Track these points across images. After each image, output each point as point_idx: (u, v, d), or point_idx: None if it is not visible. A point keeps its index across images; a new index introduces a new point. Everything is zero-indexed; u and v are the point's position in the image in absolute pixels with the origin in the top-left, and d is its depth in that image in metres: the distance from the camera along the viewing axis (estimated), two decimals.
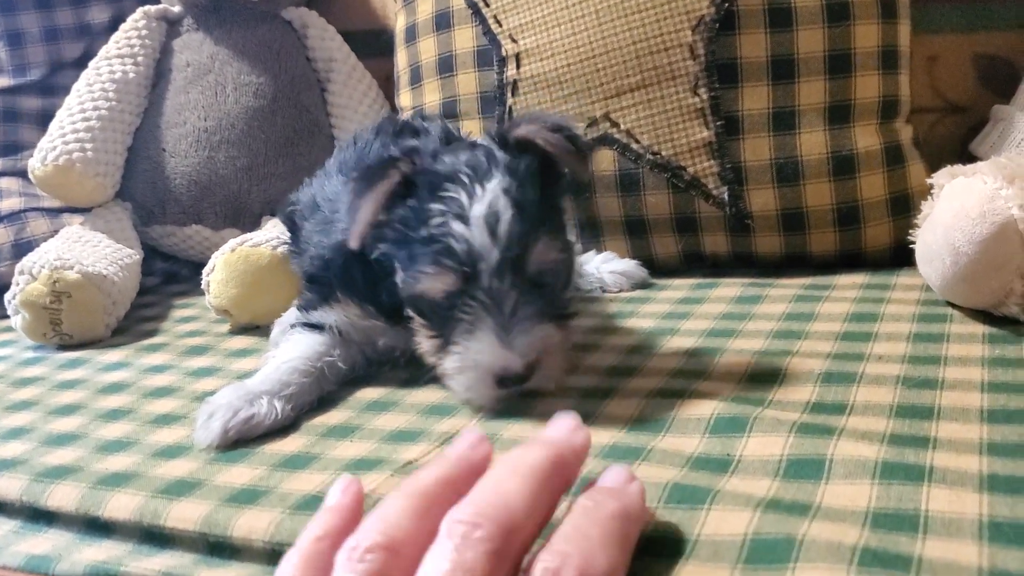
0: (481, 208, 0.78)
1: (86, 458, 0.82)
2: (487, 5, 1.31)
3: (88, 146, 1.44)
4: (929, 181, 1.02)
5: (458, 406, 0.85)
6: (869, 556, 0.53)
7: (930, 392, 0.76)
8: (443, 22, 1.36)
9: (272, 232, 1.23)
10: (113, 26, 1.65)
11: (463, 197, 0.79)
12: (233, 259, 1.17)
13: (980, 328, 0.91)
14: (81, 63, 1.63)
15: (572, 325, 0.88)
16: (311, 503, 0.68)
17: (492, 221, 0.78)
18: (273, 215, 1.48)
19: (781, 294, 1.10)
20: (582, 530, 0.52)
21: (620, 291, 1.21)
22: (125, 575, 0.66)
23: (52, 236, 1.42)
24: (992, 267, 0.89)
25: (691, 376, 0.86)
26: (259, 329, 1.19)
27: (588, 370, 0.92)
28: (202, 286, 1.21)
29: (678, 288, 1.19)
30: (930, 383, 0.78)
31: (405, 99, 1.45)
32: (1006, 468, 0.62)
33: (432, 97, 1.38)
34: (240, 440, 0.82)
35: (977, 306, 0.95)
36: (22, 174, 1.57)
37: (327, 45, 1.64)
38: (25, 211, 1.50)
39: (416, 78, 1.42)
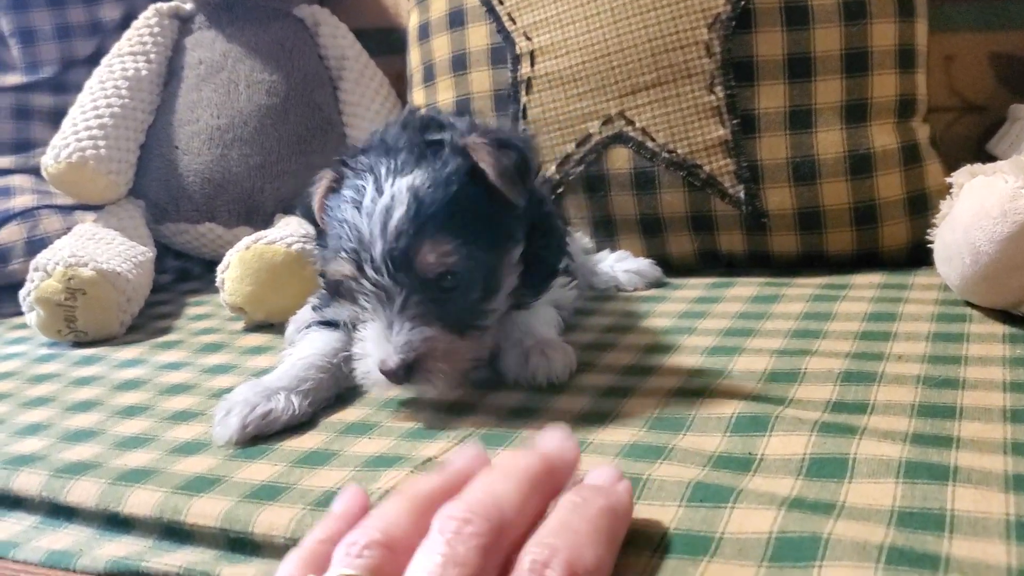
0: (381, 201, 0.80)
1: (105, 454, 0.82)
2: (501, 3, 1.31)
3: (101, 143, 1.45)
4: (948, 180, 1.01)
5: (478, 404, 0.85)
6: (896, 554, 0.52)
7: (951, 392, 0.76)
8: (457, 20, 1.36)
9: (287, 230, 1.22)
10: (125, 23, 1.66)
11: (369, 188, 0.81)
12: (248, 257, 1.17)
13: (1000, 328, 0.91)
14: (93, 60, 1.63)
15: (482, 338, 0.86)
16: (332, 500, 0.67)
17: (385, 214, 0.79)
18: (286, 213, 1.48)
19: (798, 293, 1.09)
20: (570, 524, 0.52)
21: (635, 290, 1.21)
22: (146, 570, 0.66)
23: (65, 233, 1.42)
24: (1013, 266, 0.88)
25: (710, 375, 0.86)
26: (273, 327, 1.19)
27: (605, 368, 0.91)
28: (217, 283, 1.21)
29: (693, 287, 1.19)
30: (951, 383, 0.78)
31: (418, 97, 1.45)
32: None
33: (445, 95, 1.38)
34: (258, 436, 0.82)
35: (997, 305, 0.94)
36: (35, 171, 1.57)
37: (339, 43, 1.64)
38: (38, 208, 1.50)
39: (429, 76, 1.41)
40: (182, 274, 1.59)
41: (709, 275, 1.24)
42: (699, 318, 1.04)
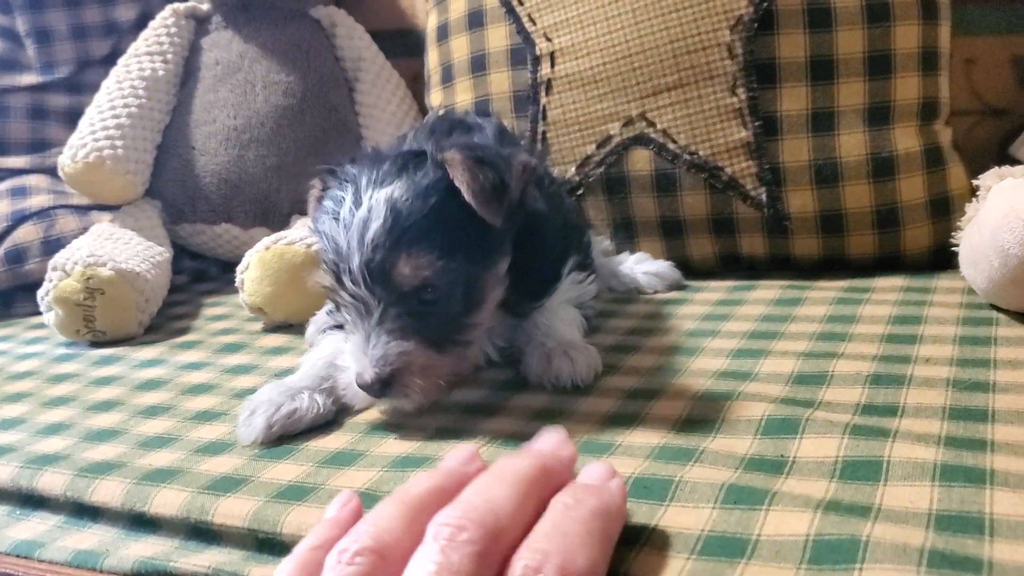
0: (359, 213, 0.79)
1: (129, 454, 0.82)
2: (521, 4, 1.30)
3: (118, 143, 1.44)
4: (975, 183, 1.01)
5: (503, 406, 0.85)
6: (938, 557, 0.52)
7: (982, 395, 0.75)
8: (476, 20, 1.36)
9: (306, 231, 1.22)
10: (140, 24, 1.66)
11: (348, 200, 0.80)
12: (268, 257, 1.17)
13: None
14: (108, 61, 1.63)
15: (464, 353, 0.85)
16: (362, 500, 0.67)
17: (363, 228, 0.78)
18: (302, 214, 1.47)
19: (821, 296, 1.09)
20: (562, 528, 0.52)
21: (655, 292, 1.21)
22: (175, 571, 0.66)
23: (81, 233, 1.42)
24: None
25: (737, 377, 0.85)
26: (293, 327, 1.19)
27: (630, 370, 0.91)
28: (236, 284, 1.21)
29: (715, 290, 1.18)
30: (981, 386, 0.77)
31: (436, 98, 1.45)
32: None
33: (464, 96, 1.38)
34: (283, 436, 0.82)
35: None
36: (51, 171, 1.57)
37: (356, 44, 1.64)
38: (54, 208, 1.50)
39: (448, 77, 1.41)
40: (198, 275, 1.59)
41: (730, 278, 1.23)
42: (722, 320, 1.04)
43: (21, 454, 0.84)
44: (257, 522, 0.67)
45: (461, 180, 0.80)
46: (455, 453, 0.62)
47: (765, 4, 1.16)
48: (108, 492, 0.75)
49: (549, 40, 1.28)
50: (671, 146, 1.21)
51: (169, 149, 1.54)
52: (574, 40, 1.25)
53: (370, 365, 0.79)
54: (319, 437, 0.82)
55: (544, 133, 1.28)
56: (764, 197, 1.18)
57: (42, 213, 1.49)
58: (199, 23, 1.63)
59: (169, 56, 1.56)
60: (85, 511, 0.76)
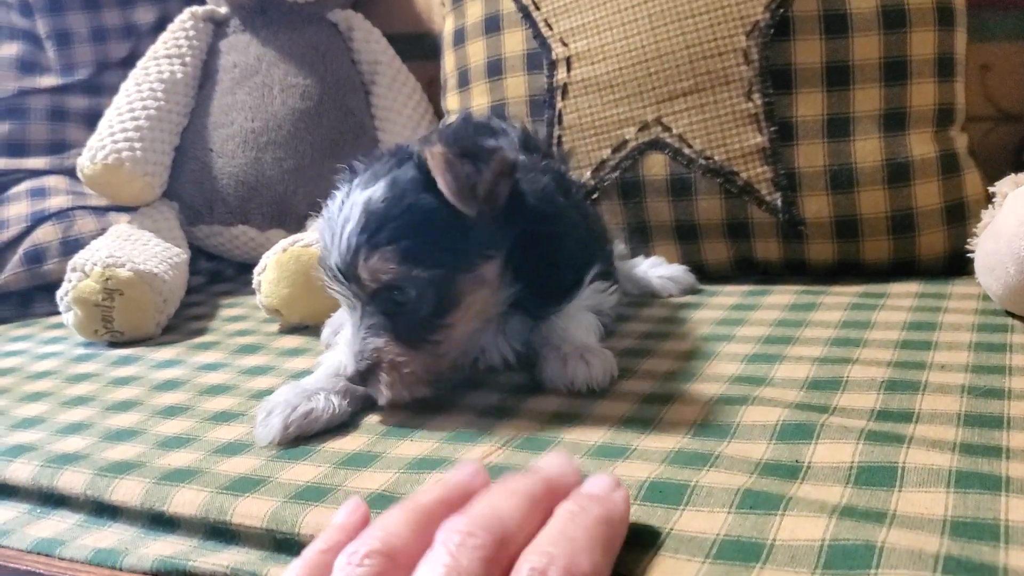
0: (341, 215, 0.83)
1: (148, 454, 0.83)
2: (538, 8, 1.31)
3: (137, 145, 1.46)
4: (992, 189, 1.01)
5: (519, 409, 0.85)
6: (953, 564, 0.52)
7: (998, 402, 0.75)
8: (492, 25, 1.36)
9: None
10: (159, 26, 1.67)
11: (337, 201, 0.85)
12: (285, 259, 1.18)
13: None
14: (127, 63, 1.65)
15: (439, 352, 0.86)
16: (378, 502, 0.68)
17: (341, 227, 0.82)
18: (319, 217, 1.48)
19: (835, 302, 1.09)
20: (567, 533, 0.53)
21: (669, 296, 1.21)
22: (194, 570, 0.67)
23: (99, 234, 1.43)
24: None
25: (751, 382, 0.85)
26: (308, 329, 1.20)
27: (645, 375, 0.91)
28: (253, 286, 1.22)
29: (729, 294, 1.18)
30: (996, 393, 0.77)
31: (452, 102, 1.45)
32: None
33: (480, 100, 1.38)
34: (300, 437, 0.82)
35: None
36: (70, 172, 1.58)
37: (372, 48, 1.65)
38: (72, 209, 1.51)
39: (464, 81, 1.42)
40: (215, 276, 1.60)
41: (744, 283, 1.24)
42: (737, 325, 1.04)
43: (41, 453, 0.85)
44: (275, 522, 0.68)
45: (437, 173, 0.82)
46: (460, 468, 0.63)
47: (781, 10, 1.16)
48: (127, 491, 0.76)
49: (565, 45, 1.28)
50: (686, 151, 1.21)
51: (187, 151, 1.55)
52: (590, 45, 1.26)
53: (351, 360, 0.84)
54: (336, 438, 0.82)
55: (560, 137, 1.29)
56: (779, 202, 1.19)
57: (61, 214, 1.50)
58: (217, 26, 1.64)
59: (187, 59, 1.58)
60: (105, 510, 0.77)
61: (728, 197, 1.21)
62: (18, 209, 1.49)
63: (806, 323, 1.02)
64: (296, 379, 0.90)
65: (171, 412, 0.94)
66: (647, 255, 1.28)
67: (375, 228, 0.81)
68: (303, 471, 0.75)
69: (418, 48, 1.71)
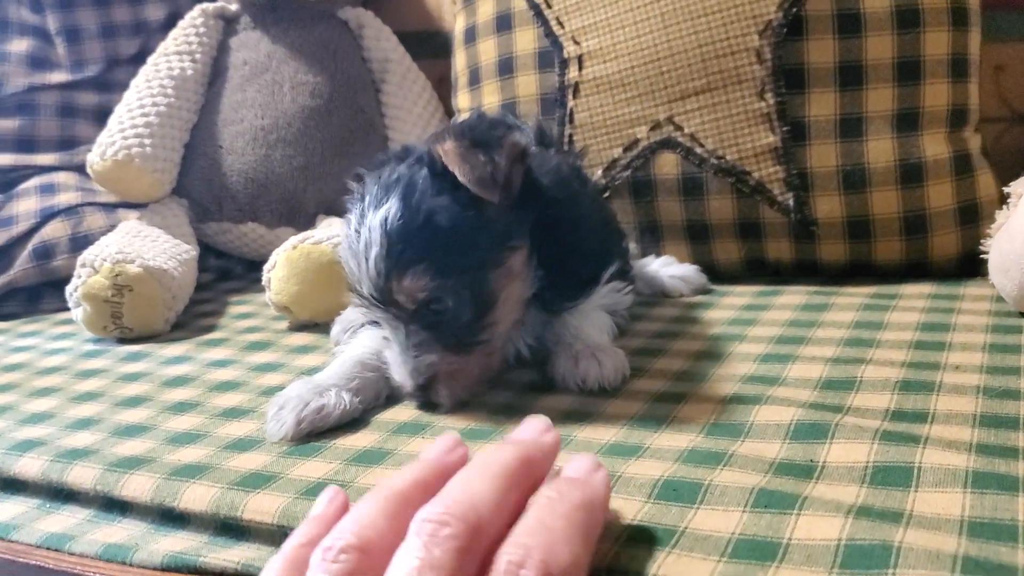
0: (361, 241, 0.83)
1: (158, 449, 0.82)
2: (549, 7, 1.31)
3: (147, 142, 1.45)
4: (1006, 190, 1.00)
5: (530, 407, 0.85)
6: (971, 564, 0.52)
7: (1013, 403, 0.75)
8: (504, 23, 1.36)
9: (332, 230, 1.23)
10: (169, 23, 1.67)
11: (353, 225, 0.84)
12: (294, 256, 1.18)
13: None
14: (137, 60, 1.65)
15: (489, 352, 0.88)
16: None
17: (364, 253, 0.82)
18: (328, 214, 1.48)
19: (848, 302, 1.08)
20: (546, 522, 0.53)
21: (680, 296, 1.21)
22: (204, 566, 0.66)
23: (109, 230, 1.42)
24: None
25: (764, 382, 0.85)
26: (318, 326, 1.19)
27: (657, 374, 0.91)
28: (263, 283, 1.21)
29: (741, 294, 1.18)
30: (1012, 394, 0.77)
31: (463, 100, 1.45)
32: None
33: (491, 99, 1.38)
34: (312, 432, 0.82)
35: None
36: (79, 169, 1.58)
37: (383, 46, 1.64)
38: (82, 205, 1.51)
39: (475, 79, 1.41)
40: (223, 273, 1.60)
41: (756, 283, 1.23)
42: (749, 325, 1.03)
43: (51, 448, 0.85)
44: (286, 519, 0.68)
45: (456, 169, 0.82)
46: (437, 443, 0.63)
47: (794, 9, 1.15)
48: (137, 487, 0.76)
49: (577, 43, 1.28)
50: (698, 150, 1.21)
51: (196, 148, 1.54)
52: (602, 44, 1.26)
53: (408, 377, 0.85)
54: (347, 435, 0.82)
55: (571, 136, 1.28)
56: (791, 202, 1.18)
57: (70, 210, 1.50)
58: (227, 23, 1.64)
59: (198, 56, 1.57)
60: (115, 505, 0.77)
61: (740, 197, 1.20)
62: (27, 205, 1.49)
63: (818, 323, 1.01)
64: (305, 376, 0.90)
65: (181, 408, 0.93)
66: (658, 254, 1.28)
67: (400, 249, 0.81)
68: (314, 467, 0.75)
69: (429, 46, 1.70)
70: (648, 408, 0.82)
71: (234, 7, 1.64)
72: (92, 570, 0.69)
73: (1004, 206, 1.00)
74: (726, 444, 0.72)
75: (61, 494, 0.80)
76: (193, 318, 1.32)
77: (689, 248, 1.27)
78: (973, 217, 1.16)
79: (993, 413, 0.73)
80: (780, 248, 1.22)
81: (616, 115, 1.25)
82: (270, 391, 0.94)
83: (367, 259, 0.82)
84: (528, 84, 1.33)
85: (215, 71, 1.60)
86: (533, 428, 0.63)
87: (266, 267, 1.21)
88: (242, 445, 0.82)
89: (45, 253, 1.45)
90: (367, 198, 0.84)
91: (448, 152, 0.82)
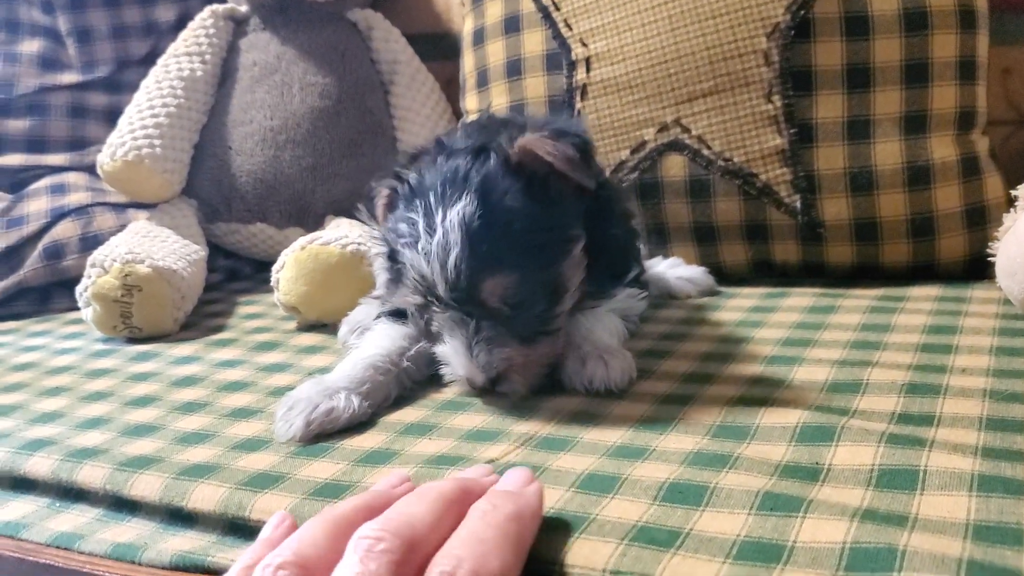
0: (435, 239, 0.81)
1: (166, 449, 0.83)
2: (558, 9, 1.31)
3: (157, 143, 1.46)
4: (1013, 193, 1.00)
5: (537, 407, 0.85)
6: (977, 568, 0.52)
7: (1020, 406, 0.75)
8: (512, 25, 1.36)
9: (341, 231, 1.23)
10: (179, 24, 1.68)
11: (422, 225, 0.83)
12: (303, 257, 1.18)
13: None
14: (147, 61, 1.65)
15: (553, 340, 0.89)
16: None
17: (443, 255, 0.81)
18: (337, 215, 1.49)
19: (855, 304, 1.08)
20: (477, 534, 0.55)
21: (687, 298, 1.21)
22: (212, 566, 0.67)
23: (118, 230, 1.43)
24: None
25: (771, 384, 0.85)
26: (326, 327, 1.20)
27: (663, 375, 0.91)
28: (271, 283, 1.22)
29: (748, 296, 1.18)
30: (1018, 397, 0.77)
31: (471, 102, 1.46)
32: None
33: (499, 100, 1.38)
34: (321, 434, 0.82)
35: None
36: (89, 169, 1.59)
37: (391, 47, 1.65)
38: (92, 206, 1.52)
39: (483, 81, 1.42)
40: (232, 273, 1.61)
41: (763, 284, 1.23)
42: (755, 327, 1.04)
43: (61, 447, 0.86)
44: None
45: (551, 155, 0.83)
46: (385, 478, 0.67)
47: (802, 12, 1.15)
48: (146, 486, 0.76)
49: (585, 45, 1.28)
50: (705, 152, 1.21)
51: (206, 149, 1.55)
52: (610, 45, 1.26)
53: (479, 371, 0.84)
54: (354, 436, 0.82)
55: None
56: (798, 204, 1.18)
57: (80, 210, 1.50)
58: (237, 24, 1.64)
59: (207, 57, 1.58)
60: (124, 505, 0.77)
61: (747, 199, 1.20)
62: (38, 205, 1.50)
63: (825, 326, 1.02)
64: (313, 376, 0.90)
65: (189, 408, 0.94)
66: (665, 256, 1.28)
67: (484, 248, 0.81)
68: (321, 468, 0.75)
69: (437, 48, 1.71)
70: (654, 410, 0.82)
71: (244, 8, 1.64)
72: (101, 569, 0.70)
73: (1011, 209, 1.00)
74: (732, 446, 0.72)
75: (70, 493, 0.81)
76: (202, 318, 1.33)
77: (696, 250, 1.27)
78: (980, 220, 1.16)
79: (999, 416, 0.73)
80: (787, 250, 1.22)
81: (624, 117, 1.25)
82: (278, 391, 0.95)
83: (445, 259, 0.81)
84: (536, 86, 1.33)
85: (225, 72, 1.61)
86: (477, 471, 0.67)
87: (275, 268, 1.22)
88: (250, 445, 0.82)
89: (55, 253, 1.45)
90: (432, 195, 0.84)
91: (537, 143, 0.83)
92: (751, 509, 0.62)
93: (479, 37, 1.43)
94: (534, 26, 1.33)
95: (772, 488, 0.64)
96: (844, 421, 0.74)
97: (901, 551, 0.54)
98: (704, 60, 1.20)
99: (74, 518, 0.77)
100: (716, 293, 1.22)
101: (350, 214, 1.30)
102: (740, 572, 0.55)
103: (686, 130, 1.22)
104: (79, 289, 1.23)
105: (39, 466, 0.83)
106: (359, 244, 1.19)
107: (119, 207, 1.53)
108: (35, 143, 1.62)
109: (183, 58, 1.57)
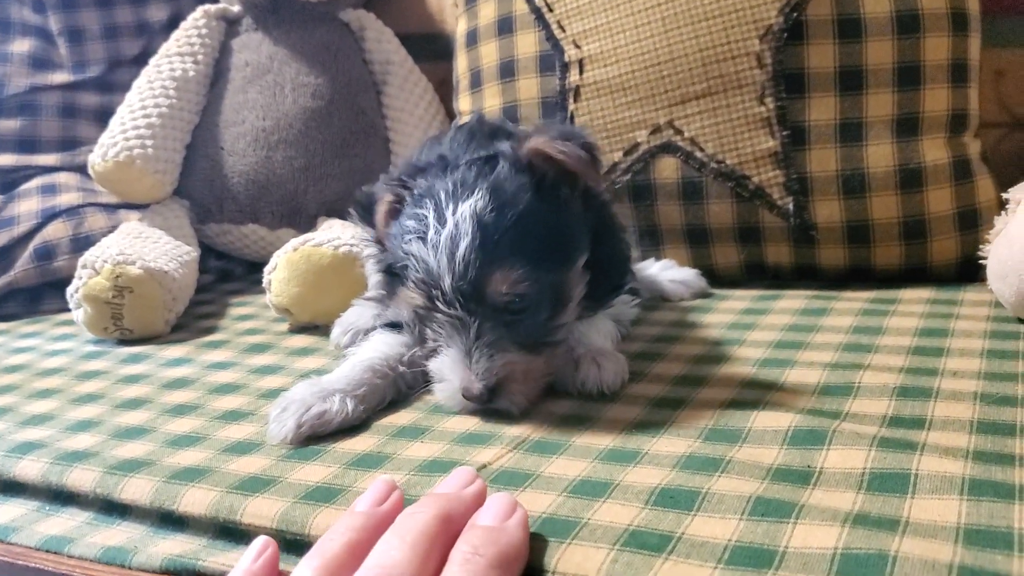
0: (445, 231, 0.80)
1: (157, 452, 0.83)
2: (551, 10, 1.31)
3: (148, 143, 1.46)
4: (1005, 196, 1.00)
5: (530, 411, 0.85)
6: (967, 573, 0.52)
7: (1011, 409, 0.75)
8: (506, 27, 1.36)
9: (333, 232, 1.23)
10: (171, 25, 1.67)
11: (431, 218, 0.82)
12: (295, 258, 1.18)
13: None
14: (139, 61, 1.65)
15: (553, 353, 0.87)
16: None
17: (451, 246, 0.80)
18: (329, 216, 1.48)
19: (847, 307, 1.08)
20: None
21: (679, 300, 1.21)
22: (203, 569, 0.67)
23: (110, 231, 1.43)
24: None
25: (763, 387, 0.85)
26: (319, 328, 1.20)
27: (656, 378, 0.91)
28: (263, 284, 1.22)
29: (740, 299, 1.18)
30: (1009, 400, 0.77)
31: (464, 103, 1.45)
32: None
33: (492, 102, 1.38)
34: (312, 436, 0.82)
35: None
36: (80, 169, 1.59)
37: (384, 48, 1.65)
38: (83, 206, 1.51)
39: (476, 82, 1.42)
40: (224, 274, 1.61)
41: (755, 287, 1.23)
42: (748, 330, 1.04)
43: (51, 450, 0.85)
44: (285, 523, 0.68)
45: (561, 155, 0.83)
46: (370, 492, 0.65)
47: (795, 14, 1.16)
48: (137, 490, 0.76)
49: (578, 47, 1.28)
50: (698, 154, 1.21)
51: (198, 149, 1.55)
52: (603, 47, 1.26)
53: (476, 378, 0.82)
54: (347, 439, 0.82)
55: None
56: (791, 207, 1.18)
57: (71, 211, 1.50)
58: (229, 24, 1.64)
59: (200, 57, 1.58)
60: (114, 508, 0.77)
61: (739, 201, 1.20)
62: (29, 205, 1.50)
63: (817, 328, 1.02)
64: (305, 378, 0.89)
65: (180, 411, 0.94)
66: (658, 258, 1.28)
67: (495, 242, 0.80)
68: (313, 471, 0.75)
69: (430, 49, 1.70)
70: (647, 413, 0.82)
71: (236, 8, 1.64)
72: (91, 573, 0.70)
73: (1003, 212, 1.01)
74: (724, 450, 0.72)
75: (61, 496, 0.81)
76: (194, 319, 1.33)
77: (689, 252, 1.27)
78: (972, 222, 1.17)
79: (990, 420, 0.74)
80: (779, 252, 1.22)
81: (616, 119, 1.25)
82: (270, 394, 0.95)
83: (453, 250, 0.80)
84: (529, 87, 1.33)
85: (217, 72, 1.61)
86: (456, 481, 0.65)
87: (267, 269, 1.21)
88: (242, 448, 0.82)
89: (46, 254, 1.45)
90: (443, 192, 0.83)
91: (543, 144, 0.83)
92: (743, 514, 0.61)
93: (472, 38, 1.42)
94: (527, 27, 1.33)
95: (764, 493, 0.64)
96: (836, 424, 0.74)
97: (892, 556, 0.54)
98: (697, 62, 1.20)
99: (64, 521, 0.77)
100: (708, 295, 1.22)
101: (342, 215, 1.30)
102: None
103: (679, 132, 1.22)
104: (70, 290, 1.23)
105: (29, 469, 0.82)
106: (351, 245, 1.18)
107: (110, 208, 1.53)
108: (26, 143, 1.61)
109: (175, 58, 1.56)
